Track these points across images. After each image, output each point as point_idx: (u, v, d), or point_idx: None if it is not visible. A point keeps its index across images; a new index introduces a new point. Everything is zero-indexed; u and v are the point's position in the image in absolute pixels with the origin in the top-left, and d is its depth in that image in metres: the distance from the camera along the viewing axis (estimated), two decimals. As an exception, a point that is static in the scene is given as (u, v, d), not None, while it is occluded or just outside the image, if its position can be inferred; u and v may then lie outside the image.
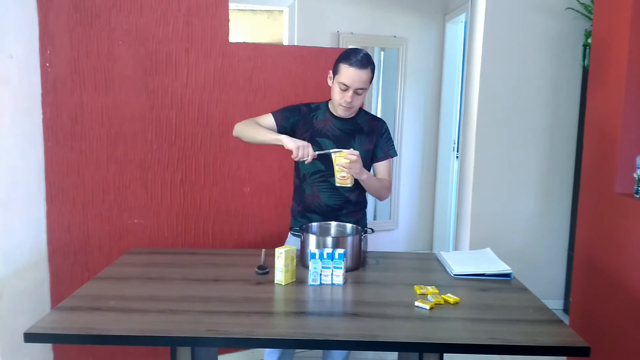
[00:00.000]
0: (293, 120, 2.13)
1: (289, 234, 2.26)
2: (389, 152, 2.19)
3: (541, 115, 3.59)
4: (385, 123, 2.22)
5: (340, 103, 2.04)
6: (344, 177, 1.98)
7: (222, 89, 2.63)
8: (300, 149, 1.91)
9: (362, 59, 1.98)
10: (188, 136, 2.60)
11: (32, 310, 2.23)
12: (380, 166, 2.20)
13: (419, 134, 4.57)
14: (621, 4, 2.32)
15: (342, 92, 2.01)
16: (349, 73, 1.97)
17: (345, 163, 1.93)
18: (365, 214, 2.28)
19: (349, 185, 1.99)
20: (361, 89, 2.01)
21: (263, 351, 2.52)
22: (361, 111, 2.17)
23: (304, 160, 1.94)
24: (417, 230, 4.72)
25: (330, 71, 2.08)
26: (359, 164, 1.96)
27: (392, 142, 2.22)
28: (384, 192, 2.17)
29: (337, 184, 2.00)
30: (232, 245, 2.72)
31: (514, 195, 3.65)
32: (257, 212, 2.77)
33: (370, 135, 2.16)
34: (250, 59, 2.66)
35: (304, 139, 2.11)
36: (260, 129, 2.05)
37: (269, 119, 2.12)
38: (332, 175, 2.10)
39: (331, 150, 2.00)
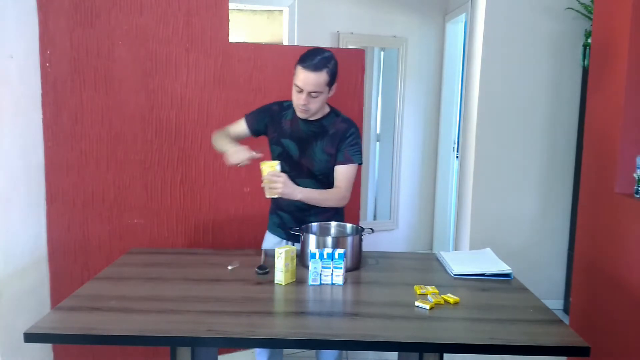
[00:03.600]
0: (265, 122, 2.16)
1: (267, 231, 2.29)
2: (352, 157, 2.08)
3: (541, 115, 3.59)
4: (352, 127, 2.11)
5: (296, 105, 2.04)
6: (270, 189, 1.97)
7: (222, 89, 2.63)
8: (235, 154, 2.01)
9: (317, 62, 1.95)
10: (188, 136, 2.60)
11: (32, 310, 2.23)
12: (337, 170, 2.09)
13: (419, 134, 4.57)
14: (621, 4, 2.32)
15: (297, 93, 2.00)
16: (301, 76, 1.96)
17: (268, 177, 1.94)
18: (335, 213, 2.19)
19: (275, 197, 1.97)
20: (315, 92, 1.97)
21: (263, 351, 2.52)
22: (332, 113, 2.12)
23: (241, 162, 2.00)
24: (417, 230, 4.72)
25: None
26: (282, 185, 1.94)
27: (358, 147, 2.10)
28: (331, 202, 2.10)
29: (267, 196, 1.98)
30: (232, 245, 2.72)
31: (514, 195, 3.65)
32: (257, 212, 2.77)
33: (334, 139, 2.08)
34: (250, 59, 2.66)
35: (272, 139, 2.16)
36: (220, 140, 2.15)
37: (240, 125, 2.20)
38: (297, 176, 2.08)
39: (259, 155, 2.01)
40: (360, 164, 2.13)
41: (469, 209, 3.69)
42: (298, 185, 2.02)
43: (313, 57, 1.97)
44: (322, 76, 1.96)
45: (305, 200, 2.03)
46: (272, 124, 2.14)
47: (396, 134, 4.41)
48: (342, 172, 2.09)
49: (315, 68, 1.95)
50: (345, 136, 2.09)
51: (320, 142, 2.09)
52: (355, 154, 2.09)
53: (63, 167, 2.39)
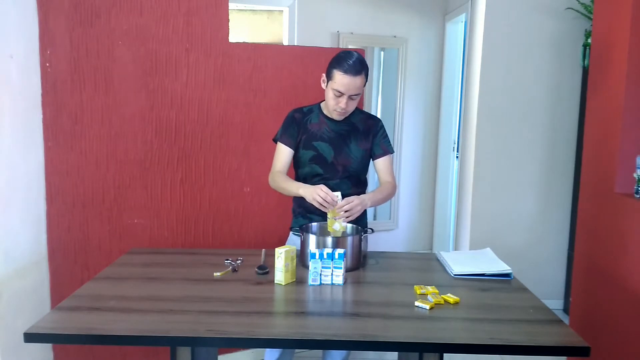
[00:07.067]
0: (295, 132, 2.14)
1: (290, 232, 2.26)
2: (387, 148, 2.19)
3: (541, 115, 3.59)
4: (380, 120, 2.22)
5: (335, 109, 2.05)
6: (336, 229, 1.95)
7: (222, 89, 2.63)
8: (316, 199, 1.90)
9: (355, 65, 1.96)
10: (188, 136, 2.60)
11: (32, 310, 2.23)
12: (380, 163, 2.19)
13: (419, 134, 4.57)
14: (621, 4, 2.32)
15: (336, 98, 2.01)
16: (343, 80, 1.96)
17: (344, 213, 1.92)
18: (365, 213, 2.28)
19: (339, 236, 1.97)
20: (356, 94, 2.01)
21: (263, 351, 2.52)
22: (356, 110, 2.17)
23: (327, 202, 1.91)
24: (417, 230, 4.72)
25: (324, 75, 2.07)
26: (360, 205, 1.94)
27: (389, 138, 2.23)
28: (390, 196, 2.18)
29: (332, 236, 1.96)
30: (232, 245, 2.72)
31: (514, 195, 3.65)
32: (257, 212, 2.77)
33: (367, 135, 2.16)
34: (250, 59, 2.66)
35: (298, 143, 2.13)
36: (285, 182, 2.06)
37: (282, 152, 2.13)
38: (331, 178, 2.11)
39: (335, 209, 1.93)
40: (392, 153, 2.23)
41: (469, 209, 3.69)
42: (333, 189, 2.00)
43: (350, 61, 1.97)
44: (362, 79, 1.99)
45: (372, 205, 2.07)
46: (300, 131, 2.14)
47: (396, 134, 4.41)
48: (385, 164, 2.19)
49: (357, 72, 1.96)
50: (377, 130, 2.18)
51: (354, 139, 2.14)
52: (389, 145, 2.20)
53: (63, 167, 2.39)
